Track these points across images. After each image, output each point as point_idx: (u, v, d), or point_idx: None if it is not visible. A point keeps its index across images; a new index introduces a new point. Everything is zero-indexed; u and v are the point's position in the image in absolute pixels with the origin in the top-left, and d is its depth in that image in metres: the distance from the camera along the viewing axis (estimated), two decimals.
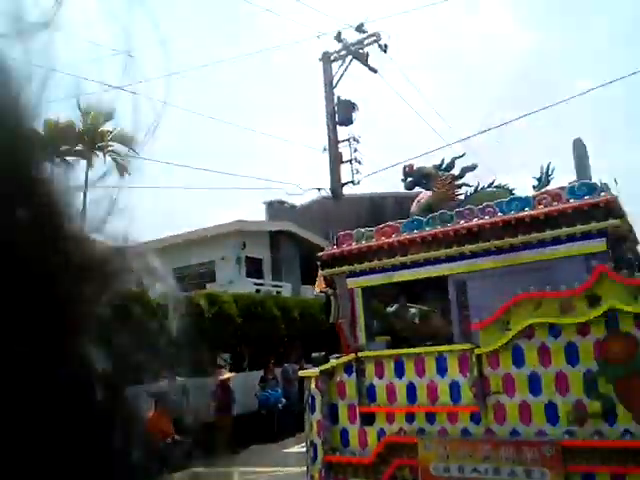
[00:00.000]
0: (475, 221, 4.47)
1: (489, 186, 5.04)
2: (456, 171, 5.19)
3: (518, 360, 4.10)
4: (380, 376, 4.77)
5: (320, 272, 5.34)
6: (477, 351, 4.22)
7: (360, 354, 4.88)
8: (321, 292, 5.67)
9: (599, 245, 4.01)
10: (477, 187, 5.08)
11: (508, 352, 4.12)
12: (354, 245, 5.08)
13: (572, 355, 3.89)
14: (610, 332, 3.76)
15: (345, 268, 5.12)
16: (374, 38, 15.89)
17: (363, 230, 5.14)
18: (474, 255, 4.49)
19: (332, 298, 5.21)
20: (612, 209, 4.00)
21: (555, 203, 4.16)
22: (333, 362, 5.05)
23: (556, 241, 4.15)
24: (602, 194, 4.04)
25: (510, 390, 4.10)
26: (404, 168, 5.33)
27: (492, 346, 4.15)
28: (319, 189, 15.96)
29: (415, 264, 4.76)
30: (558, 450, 3.76)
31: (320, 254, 5.32)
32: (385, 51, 15.96)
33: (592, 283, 3.79)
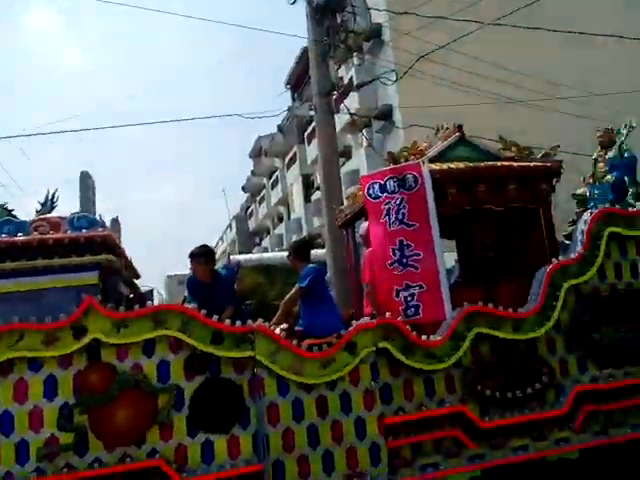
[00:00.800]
0: None
1: None
2: None
3: None
4: None
5: None
6: None
7: None
8: None
9: (91, 278, 4.14)
10: None
11: None
12: None
13: (51, 388, 3.78)
14: (90, 362, 3.86)
15: None
16: None
17: None
18: None
19: None
20: (108, 244, 4.22)
21: (52, 232, 4.09)
22: None
23: (49, 270, 4.05)
24: (100, 229, 4.21)
25: None
26: None
27: None
28: None
29: None
30: None
31: None
32: None
33: (79, 315, 3.82)
